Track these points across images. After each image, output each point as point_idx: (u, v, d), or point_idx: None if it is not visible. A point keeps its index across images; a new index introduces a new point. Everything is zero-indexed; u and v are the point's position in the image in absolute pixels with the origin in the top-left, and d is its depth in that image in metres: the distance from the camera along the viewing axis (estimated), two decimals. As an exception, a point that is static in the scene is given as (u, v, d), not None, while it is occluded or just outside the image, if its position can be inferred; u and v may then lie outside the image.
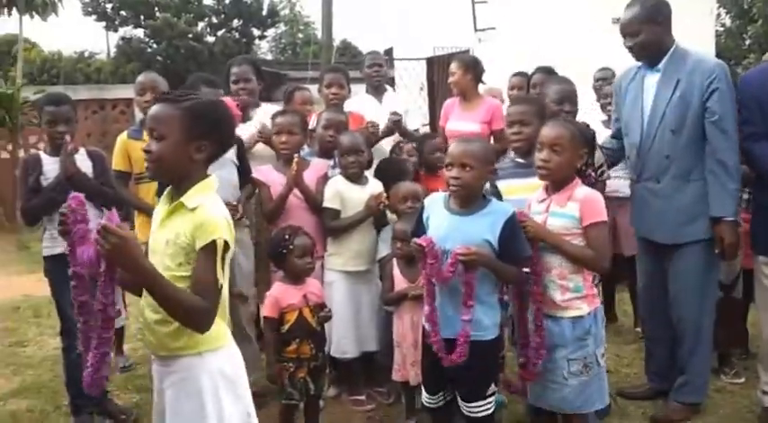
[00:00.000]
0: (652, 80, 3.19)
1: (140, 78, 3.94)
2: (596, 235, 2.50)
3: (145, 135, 3.47)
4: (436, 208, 2.60)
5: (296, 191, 3.39)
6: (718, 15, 16.78)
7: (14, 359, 4.45)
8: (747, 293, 3.89)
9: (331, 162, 3.63)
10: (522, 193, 2.79)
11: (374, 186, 3.45)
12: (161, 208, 2.00)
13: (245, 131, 3.70)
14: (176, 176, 1.95)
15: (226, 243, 1.88)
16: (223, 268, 1.90)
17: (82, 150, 3.35)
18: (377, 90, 4.52)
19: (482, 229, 2.46)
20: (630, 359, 4.02)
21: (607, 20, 9.61)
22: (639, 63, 3.28)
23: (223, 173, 3.38)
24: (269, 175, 3.47)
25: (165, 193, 2.01)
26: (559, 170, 2.53)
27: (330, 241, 3.43)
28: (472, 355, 2.44)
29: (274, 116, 3.57)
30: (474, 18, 9.83)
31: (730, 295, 3.76)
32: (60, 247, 3.27)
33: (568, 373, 2.54)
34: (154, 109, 1.94)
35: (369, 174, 3.56)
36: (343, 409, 3.48)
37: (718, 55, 11.20)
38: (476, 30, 9.80)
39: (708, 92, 3.01)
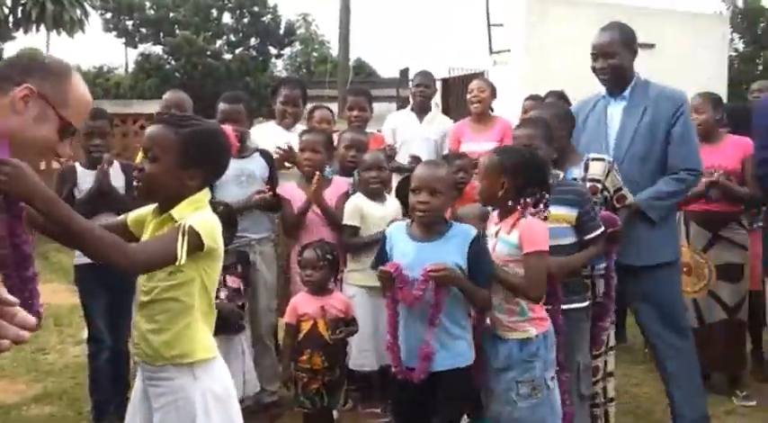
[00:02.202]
0: (617, 109, 3.21)
1: (167, 96, 3.98)
2: (531, 264, 2.48)
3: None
4: (399, 237, 2.58)
5: (316, 208, 3.49)
6: (732, 40, 16.86)
7: (36, 366, 4.55)
8: (754, 316, 3.97)
9: (351, 180, 3.73)
10: None
11: (393, 204, 3.54)
12: (149, 221, 2.01)
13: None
14: (166, 198, 1.95)
15: (194, 231, 1.83)
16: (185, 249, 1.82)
17: (116, 164, 3.46)
18: (420, 109, 4.65)
19: (450, 252, 2.45)
20: (641, 379, 4.08)
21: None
22: (598, 94, 3.33)
23: (253, 189, 3.51)
24: (292, 191, 3.58)
25: (154, 208, 2.02)
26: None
27: (349, 257, 3.51)
28: (452, 383, 2.46)
29: (301, 134, 3.68)
30: (489, 40, 9.99)
31: (735, 317, 3.83)
32: (91, 256, 3.40)
33: (517, 395, 2.52)
34: (152, 129, 1.96)
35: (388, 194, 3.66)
36: (358, 421, 3.55)
37: (731, 80, 11.31)
38: (491, 52, 9.96)
39: (675, 118, 3.10)
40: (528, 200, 2.54)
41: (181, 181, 1.92)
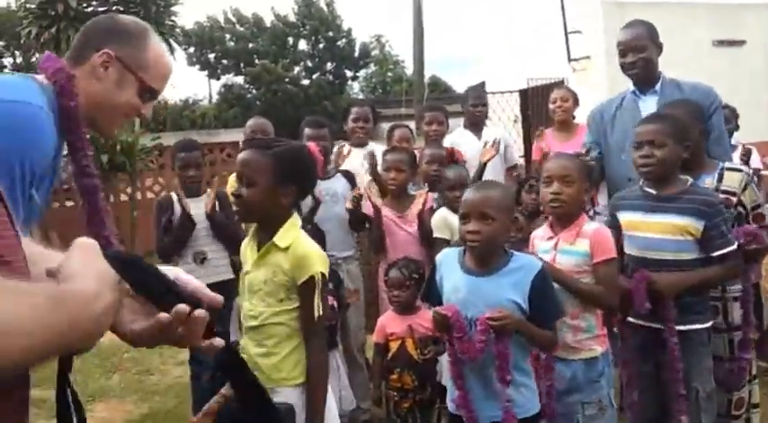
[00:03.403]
0: (650, 103, 3.14)
1: (250, 123, 4.14)
2: (607, 271, 2.36)
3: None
4: (450, 267, 2.25)
5: (403, 224, 3.52)
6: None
7: (142, 386, 4.77)
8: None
9: (436, 195, 3.74)
10: (648, 230, 2.52)
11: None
12: (249, 247, 2.12)
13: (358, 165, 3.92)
14: (264, 218, 2.07)
15: (323, 275, 2.03)
16: (321, 299, 2.05)
17: (209, 191, 3.61)
18: (476, 126, 4.64)
19: (507, 288, 2.12)
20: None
21: (708, 43, 9.40)
22: (623, 92, 3.31)
23: (337, 208, 3.60)
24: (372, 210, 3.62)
25: (252, 232, 2.13)
26: (571, 203, 2.38)
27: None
28: None
29: (385, 153, 3.74)
30: (568, 48, 9.82)
31: None
32: (190, 280, 3.56)
33: (583, 417, 2.36)
34: (244, 155, 2.06)
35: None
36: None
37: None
38: (570, 60, 9.78)
39: (710, 111, 3.03)
40: (591, 208, 2.51)
41: (276, 199, 2.03)
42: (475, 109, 4.65)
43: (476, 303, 2.10)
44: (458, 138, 4.58)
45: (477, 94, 4.75)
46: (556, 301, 2.21)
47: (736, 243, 2.48)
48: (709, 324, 2.55)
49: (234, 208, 2.13)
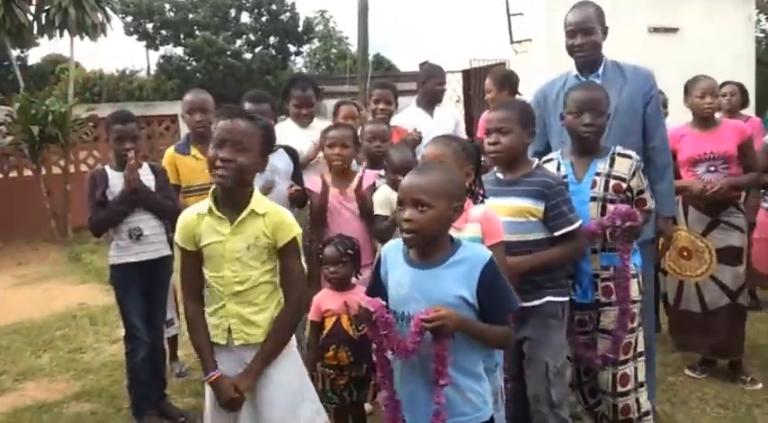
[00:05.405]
0: None
1: (189, 97, 3.82)
2: (498, 256, 2.15)
3: (192, 150, 3.69)
4: (395, 260, 2.03)
5: (344, 201, 3.51)
6: (758, 21, 16.52)
7: (74, 365, 4.65)
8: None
9: (381, 172, 3.73)
10: (501, 214, 2.48)
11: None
12: (210, 218, 2.19)
13: (303, 146, 3.88)
14: (244, 184, 2.20)
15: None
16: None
17: (145, 165, 3.51)
18: (431, 104, 4.56)
19: (453, 283, 1.90)
20: (676, 367, 4.04)
21: (643, 29, 9.65)
22: (565, 74, 3.31)
23: (281, 186, 3.56)
24: (320, 185, 3.60)
25: (210, 204, 2.20)
26: None
27: (380, 247, 3.52)
28: None
29: (327, 130, 3.69)
30: (510, 30, 9.91)
31: (737, 301, 3.79)
32: (126, 256, 3.47)
33: None
34: (234, 122, 2.15)
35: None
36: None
37: (758, 60, 11.11)
38: (512, 42, 9.88)
39: (649, 95, 3.12)
40: (481, 190, 2.46)
41: (257, 168, 2.22)
42: (440, 86, 4.55)
43: (418, 299, 1.90)
44: (411, 116, 4.49)
45: (440, 72, 4.62)
46: (507, 293, 1.97)
47: (580, 222, 2.55)
48: (561, 299, 2.60)
49: (219, 171, 2.11)
